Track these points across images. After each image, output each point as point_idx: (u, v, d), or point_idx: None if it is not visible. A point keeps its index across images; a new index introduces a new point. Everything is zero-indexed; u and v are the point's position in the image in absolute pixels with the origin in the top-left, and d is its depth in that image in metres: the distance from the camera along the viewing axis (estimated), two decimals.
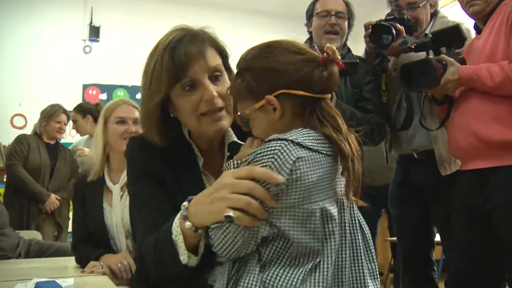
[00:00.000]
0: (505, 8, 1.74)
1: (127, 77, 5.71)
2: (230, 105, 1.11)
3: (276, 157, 0.84)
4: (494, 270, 1.80)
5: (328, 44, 0.96)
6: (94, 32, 5.70)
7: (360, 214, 0.99)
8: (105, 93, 5.69)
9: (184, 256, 0.95)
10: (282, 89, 0.92)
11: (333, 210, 0.90)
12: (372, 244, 0.99)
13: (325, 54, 0.94)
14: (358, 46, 2.38)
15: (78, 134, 3.99)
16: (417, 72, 1.78)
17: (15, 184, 3.49)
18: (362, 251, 0.95)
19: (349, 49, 2.25)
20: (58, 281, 1.37)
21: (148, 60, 1.16)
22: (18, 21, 5.43)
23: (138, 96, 5.72)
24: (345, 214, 0.94)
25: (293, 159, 0.84)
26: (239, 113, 0.99)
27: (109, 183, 1.95)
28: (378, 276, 0.98)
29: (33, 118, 3.87)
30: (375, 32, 2.04)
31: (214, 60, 1.10)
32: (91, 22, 5.70)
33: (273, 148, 0.85)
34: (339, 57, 0.96)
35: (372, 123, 2.02)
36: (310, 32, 2.27)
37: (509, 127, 1.65)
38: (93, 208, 1.91)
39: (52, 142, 3.71)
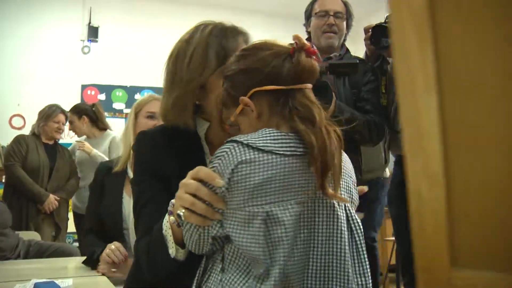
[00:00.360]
0: None
1: (126, 77, 5.70)
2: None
3: (222, 159, 0.86)
4: None
5: (295, 34, 0.94)
6: (93, 33, 5.69)
7: (356, 219, 0.92)
8: (104, 93, 5.68)
9: (172, 249, 0.97)
10: (254, 87, 0.91)
11: (283, 214, 0.84)
12: (365, 255, 0.91)
13: (294, 44, 0.93)
14: (356, 47, 2.38)
15: (76, 136, 3.98)
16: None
17: (14, 185, 3.48)
18: (345, 262, 0.87)
19: (347, 50, 2.25)
20: (57, 281, 1.37)
21: (181, 44, 1.14)
22: (16, 21, 5.42)
23: (137, 96, 5.71)
24: (318, 218, 0.88)
25: (236, 162, 0.84)
26: (228, 123, 0.99)
27: (131, 174, 1.96)
28: None
29: (32, 119, 3.86)
30: (375, 34, 2.05)
31: None
32: (89, 23, 5.70)
33: (222, 150, 0.87)
34: (308, 44, 0.93)
35: (371, 124, 2.01)
36: (308, 33, 2.27)
37: None
38: (112, 196, 1.93)
39: (51, 143, 3.70)
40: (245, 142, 0.86)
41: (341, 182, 0.90)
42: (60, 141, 3.89)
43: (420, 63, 0.37)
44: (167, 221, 0.98)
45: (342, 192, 0.91)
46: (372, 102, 2.08)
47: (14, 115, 5.33)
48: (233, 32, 1.12)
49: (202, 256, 0.97)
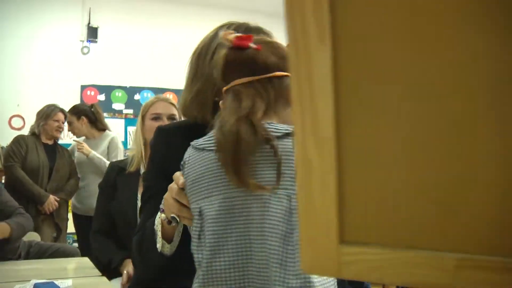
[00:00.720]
0: None
1: (126, 78, 5.70)
2: None
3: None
4: None
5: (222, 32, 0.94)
6: (92, 33, 5.69)
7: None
8: (103, 94, 5.68)
9: (159, 244, 1.00)
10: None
11: (209, 209, 0.84)
12: (291, 253, 0.79)
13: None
14: None
15: (75, 136, 3.98)
16: None
17: (14, 185, 3.47)
18: (271, 261, 0.80)
19: None
20: (57, 282, 1.37)
21: (205, 41, 1.15)
22: (16, 22, 5.42)
23: (137, 97, 5.72)
24: (252, 212, 0.82)
25: (183, 163, 0.92)
26: None
27: None
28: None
29: (31, 119, 3.85)
30: None
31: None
32: (89, 23, 5.69)
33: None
34: (230, 37, 0.91)
35: None
36: None
37: None
38: (125, 197, 1.93)
39: (50, 143, 3.69)
40: (193, 143, 0.92)
41: (287, 172, 0.81)
42: (60, 142, 3.89)
43: (314, 11, 0.31)
44: (159, 217, 1.00)
45: (285, 183, 0.81)
46: None
47: (14, 116, 5.33)
48: (256, 32, 1.12)
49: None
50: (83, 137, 3.82)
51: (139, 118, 2.08)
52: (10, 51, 5.36)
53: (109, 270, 1.76)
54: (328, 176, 0.32)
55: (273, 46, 0.94)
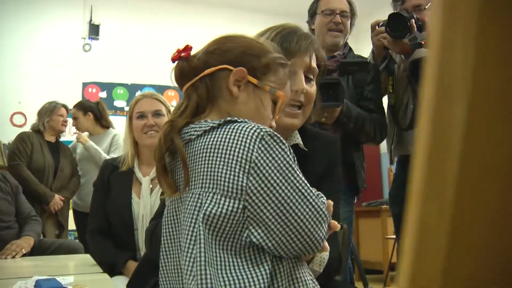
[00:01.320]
0: None
1: (127, 75, 5.70)
2: (308, 109, 1.16)
3: None
4: None
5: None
6: (94, 30, 5.69)
7: (206, 212, 0.80)
8: (105, 91, 5.68)
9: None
10: None
11: (167, 213, 0.92)
12: (189, 255, 0.82)
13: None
14: (358, 46, 2.37)
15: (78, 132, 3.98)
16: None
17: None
18: (181, 263, 0.85)
19: (350, 48, 2.25)
20: (58, 278, 1.37)
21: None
22: (17, 19, 5.42)
23: (138, 94, 5.71)
24: (182, 214, 0.87)
25: None
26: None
27: (139, 174, 1.97)
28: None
29: (33, 116, 3.86)
30: (391, 22, 2.04)
31: (314, 62, 1.16)
32: (90, 20, 5.69)
33: None
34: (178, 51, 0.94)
35: (375, 123, 2.02)
36: (312, 30, 2.26)
37: None
38: (121, 196, 1.92)
39: (53, 140, 3.70)
40: None
41: (201, 171, 0.83)
42: (62, 139, 3.90)
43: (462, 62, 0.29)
44: None
45: (197, 182, 0.83)
46: (375, 102, 2.09)
47: (15, 113, 5.33)
48: (300, 36, 1.15)
49: None
50: (86, 133, 3.83)
51: (127, 118, 2.08)
52: (11, 48, 5.37)
53: (113, 272, 1.76)
54: (441, 240, 0.30)
55: (211, 44, 0.96)
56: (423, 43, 1.80)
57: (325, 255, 1.04)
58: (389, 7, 2.38)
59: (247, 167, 0.79)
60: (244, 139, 0.80)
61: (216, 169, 0.81)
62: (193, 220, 0.82)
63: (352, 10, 2.22)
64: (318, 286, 0.88)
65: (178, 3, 5.92)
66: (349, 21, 2.19)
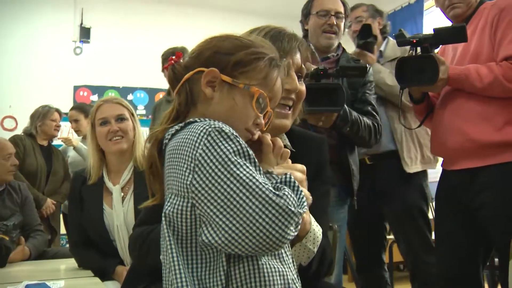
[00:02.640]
0: (485, 11, 1.78)
1: (118, 78, 5.68)
2: (298, 108, 1.16)
3: None
4: (480, 266, 1.85)
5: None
6: (85, 33, 5.66)
7: (168, 215, 0.83)
8: (96, 94, 5.66)
9: None
10: None
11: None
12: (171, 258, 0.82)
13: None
14: (348, 45, 2.38)
15: (75, 135, 3.96)
16: (413, 67, 1.76)
17: None
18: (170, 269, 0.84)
19: (344, 49, 2.24)
20: (49, 283, 1.36)
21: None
22: (7, 22, 5.39)
23: (130, 97, 5.70)
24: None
25: None
26: None
27: (108, 184, 1.93)
28: None
29: (24, 120, 3.84)
30: (362, 32, 2.18)
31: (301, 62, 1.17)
32: (81, 23, 5.67)
33: None
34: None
35: (371, 127, 2.03)
36: (305, 30, 2.24)
37: (498, 128, 1.68)
38: (93, 210, 1.89)
39: (45, 144, 3.68)
40: None
41: (172, 171, 0.84)
42: (55, 143, 3.88)
43: None
44: None
45: (170, 183, 0.85)
46: (370, 104, 2.10)
47: (6, 117, 5.30)
48: (290, 36, 1.15)
49: None
50: (81, 137, 3.82)
51: (88, 127, 2.01)
52: (1, 52, 5.33)
53: (103, 278, 1.75)
54: None
55: (194, 48, 0.96)
56: (415, 41, 1.79)
57: (316, 231, 1.03)
58: (381, 8, 2.49)
59: (192, 165, 0.78)
60: (192, 138, 0.80)
61: (172, 170, 0.82)
62: (162, 222, 0.84)
63: (346, 11, 2.20)
64: (290, 279, 0.84)
65: (170, 6, 5.90)
66: (343, 22, 2.18)
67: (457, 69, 1.74)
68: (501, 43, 1.70)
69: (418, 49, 1.78)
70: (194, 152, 0.79)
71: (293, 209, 0.76)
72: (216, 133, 0.79)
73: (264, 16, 6.02)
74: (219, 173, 0.77)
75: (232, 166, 0.77)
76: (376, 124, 2.05)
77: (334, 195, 1.87)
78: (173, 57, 0.94)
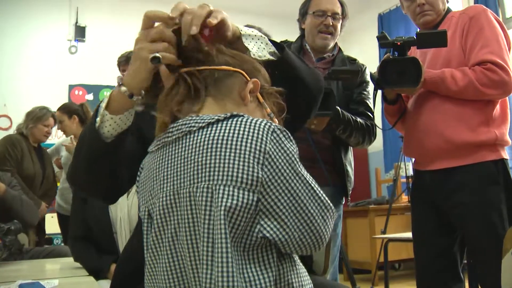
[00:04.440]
0: (454, 20, 1.88)
1: (114, 77, 5.65)
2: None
3: None
4: (457, 262, 1.89)
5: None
6: (80, 32, 5.65)
7: (219, 206, 0.75)
8: (92, 93, 5.65)
9: (99, 119, 0.95)
10: None
11: (155, 210, 0.84)
12: (216, 250, 0.75)
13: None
14: (347, 45, 2.38)
15: (64, 135, 3.95)
16: (396, 70, 1.80)
17: None
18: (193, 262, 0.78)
19: (340, 49, 2.23)
20: (43, 282, 1.35)
21: None
22: (2, 21, 5.36)
23: None
24: (181, 210, 0.80)
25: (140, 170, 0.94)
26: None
27: None
28: None
29: (18, 119, 3.82)
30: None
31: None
32: (76, 22, 5.65)
33: None
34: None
35: (365, 128, 2.03)
36: (302, 29, 2.23)
37: (473, 129, 1.75)
38: (97, 201, 1.87)
39: (36, 145, 3.67)
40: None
41: (208, 163, 0.79)
42: (48, 142, 3.87)
43: None
44: (107, 97, 0.96)
45: (205, 174, 0.79)
46: (365, 105, 2.11)
47: (0, 116, 5.28)
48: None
49: None
50: (71, 136, 3.80)
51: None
52: None
53: (98, 277, 1.75)
54: None
55: (227, 49, 0.96)
56: (399, 44, 1.81)
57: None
58: (372, 10, 2.41)
59: (261, 158, 0.77)
60: (256, 131, 0.78)
61: (227, 161, 0.77)
62: (207, 217, 0.76)
63: (344, 11, 2.17)
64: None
65: (165, 5, 5.86)
66: (340, 23, 2.16)
67: (432, 73, 1.80)
68: (472, 49, 1.79)
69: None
70: (264, 146, 0.77)
71: (335, 211, 0.83)
72: (279, 132, 0.80)
73: (260, 15, 6.02)
74: (287, 171, 0.78)
75: (297, 166, 0.79)
76: (370, 125, 2.06)
77: (328, 195, 1.87)
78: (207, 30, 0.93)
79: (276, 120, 0.93)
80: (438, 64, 1.85)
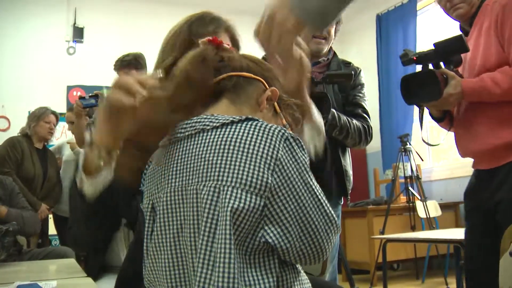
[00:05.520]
0: (489, 9, 1.75)
1: (112, 78, 5.66)
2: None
3: None
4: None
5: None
6: (78, 33, 5.65)
7: (224, 206, 0.75)
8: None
9: (78, 179, 0.99)
10: None
11: (159, 204, 0.84)
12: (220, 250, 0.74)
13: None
14: (343, 47, 2.38)
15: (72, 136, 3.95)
16: (417, 84, 1.74)
17: None
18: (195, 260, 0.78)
19: (335, 53, 2.24)
20: (41, 284, 1.35)
21: (169, 32, 1.25)
22: (0, 22, 5.36)
23: None
24: (185, 206, 0.81)
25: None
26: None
27: None
28: None
29: (17, 120, 3.83)
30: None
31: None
32: (74, 23, 5.65)
33: None
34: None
35: (361, 129, 2.04)
36: None
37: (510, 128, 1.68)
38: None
39: (41, 147, 3.66)
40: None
41: (218, 163, 0.79)
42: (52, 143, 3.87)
43: None
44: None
45: (204, 174, 0.79)
46: (361, 106, 2.11)
47: None
48: (206, 22, 1.22)
49: None
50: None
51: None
52: None
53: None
54: None
55: (248, 55, 0.99)
56: (415, 58, 1.78)
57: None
58: (370, 10, 2.40)
59: (272, 164, 0.77)
60: (270, 136, 0.78)
61: (238, 163, 0.77)
62: (210, 215, 0.76)
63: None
64: None
65: (163, 5, 5.89)
66: (333, 28, 2.18)
67: (471, 82, 1.71)
68: (510, 42, 1.67)
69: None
70: (276, 152, 0.77)
71: (339, 227, 0.83)
72: (292, 140, 0.80)
73: (257, 16, 6.01)
74: (297, 179, 0.78)
75: (307, 176, 0.79)
76: (366, 126, 2.07)
77: (327, 195, 1.88)
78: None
79: (289, 129, 0.93)
80: (477, 60, 1.76)
